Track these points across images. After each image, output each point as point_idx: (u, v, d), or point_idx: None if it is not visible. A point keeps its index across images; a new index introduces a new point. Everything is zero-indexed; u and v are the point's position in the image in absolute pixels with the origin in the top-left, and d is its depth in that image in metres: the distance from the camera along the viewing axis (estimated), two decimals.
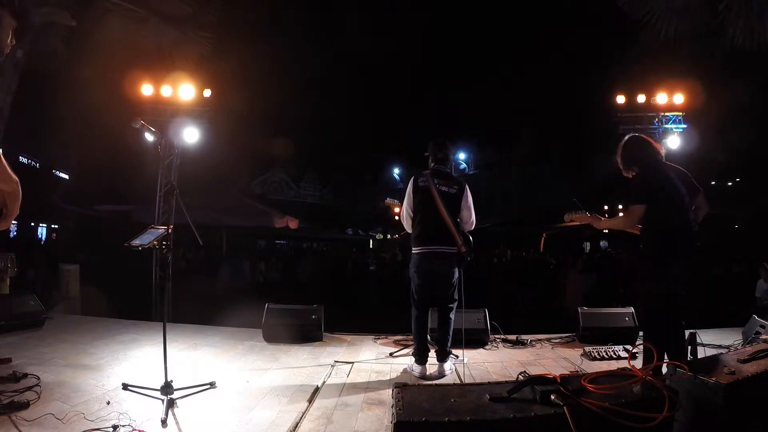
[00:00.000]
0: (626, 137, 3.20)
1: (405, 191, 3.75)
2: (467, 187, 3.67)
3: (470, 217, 3.66)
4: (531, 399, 1.66)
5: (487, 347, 4.32)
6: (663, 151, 3.13)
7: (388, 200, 4.15)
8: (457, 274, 3.57)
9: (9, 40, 1.66)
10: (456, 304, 3.61)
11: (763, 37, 5.33)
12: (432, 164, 3.71)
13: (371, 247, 21.24)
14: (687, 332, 3.04)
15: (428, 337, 3.75)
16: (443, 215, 3.46)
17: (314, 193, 34.29)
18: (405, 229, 3.81)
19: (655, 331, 2.82)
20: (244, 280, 9.75)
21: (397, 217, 3.88)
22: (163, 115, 6.42)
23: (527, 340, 4.52)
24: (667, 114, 6.66)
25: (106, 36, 6.23)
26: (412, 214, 3.66)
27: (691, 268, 2.84)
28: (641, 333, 4.50)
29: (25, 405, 2.56)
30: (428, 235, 3.54)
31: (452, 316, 3.59)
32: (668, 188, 2.87)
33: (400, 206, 3.89)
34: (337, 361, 3.84)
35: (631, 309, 4.58)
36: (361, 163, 30.44)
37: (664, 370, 2.14)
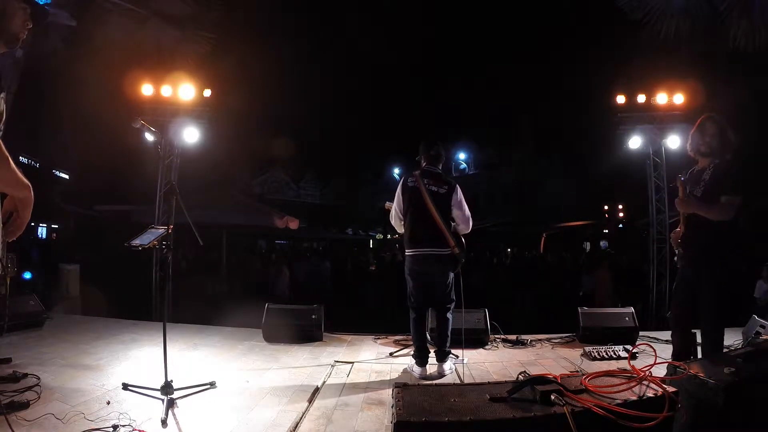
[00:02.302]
0: (714, 116, 2.89)
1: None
2: (458, 187, 3.61)
3: (463, 215, 3.56)
4: (531, 399, 1.66)
5: (487, 347, 4.32)
6: None
7: (388, 204, 4.11)
8: (451, 276, 3.55)
9: (23, 24, 1.61)
10: (453, 304, 3.60)
11: (765, 39, 5.32)
12: (423, 164, 3.68)
13: (371, 247, 21.24)
14: None
15: (428, 336, 3.75)
16: (434, 215, 3.43)
17: (314, 193, 34.26)
18: (396, 228, 3.79)
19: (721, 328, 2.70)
20: (323, 280, 9.82)
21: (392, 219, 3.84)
22: (163, 115, 6.41)
23: (527, 340, 4.52)
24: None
25: (106, 36, 6.24)
26: (401, 216, 3.63)
27: None
28: (641, 333, 4.51)
29: (25, 405, 2.56)
30: (419, 236, 3.52)
31: (449, 316, 3.57)
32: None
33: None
34: (337, 361, 3.84)
35: (631, 309, 4.58)
36: (361, 163, 30.44)
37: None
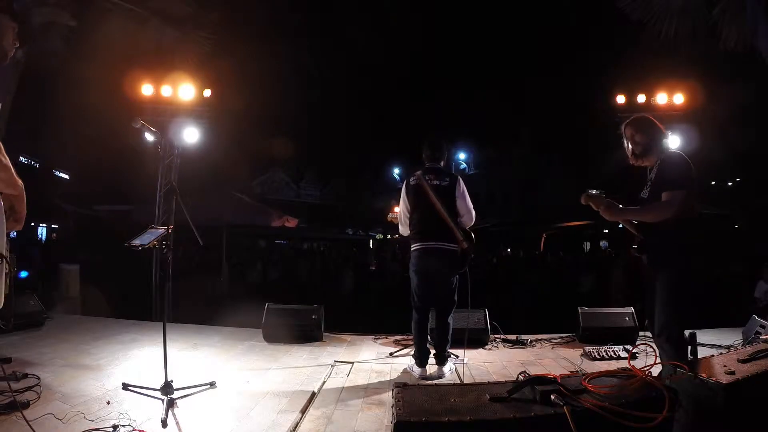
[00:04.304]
0: (640, 117, 2.80)
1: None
2: (460, 178, 3.63)
3: (466, 207, 3.57)
4: (531, 399, 1.66)
5: (487, 347, 4.33)
6: None
7: (390, 216, 4.15)
8: (458, 275, 3.55)
9: (12, 43, 1.67)
10: (454, 306, 3.59)
11: (753, 43, 5.35)
12: (425, 163, 3.70)
13: (371, 247, 21.22)
14: (687, 332, 2.99)
15: (428, 337, 3.75)
16: (439, 210, 3.44)
17: (314, 193, 34.24)
18: (404, 235, 3.79)
19: (683, 337, 2.50)
20: (390, 274, 10.12)
21: (399, 226, 3.82)
22: (163, 115, 6.41)
23: (527, 340, 4.52)
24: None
25: (106, 36, 6.23)
26: (408, 215, 3.64)
27: None
28: (641, 333, 4.51)
29: (25, 405, 2.56)
30: (426, 231, 3.52)
31: (451, 320, 3.56)
32: (695, 176, 2.51)
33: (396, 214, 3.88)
34: (337, 361, 3.84)
35: (631, 309, 4.58)
36: (361, 163, 30.41)
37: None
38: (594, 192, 2.67)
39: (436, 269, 3.50)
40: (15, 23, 1.66)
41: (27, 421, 2.04)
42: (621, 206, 2.62)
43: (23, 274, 6.61)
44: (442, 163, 3.72)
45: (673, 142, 6.64)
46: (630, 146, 2.77)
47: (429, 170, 3.62)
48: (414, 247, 3.58)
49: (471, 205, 3.62)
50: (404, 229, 3.73)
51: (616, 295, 8.20)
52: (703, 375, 1.80)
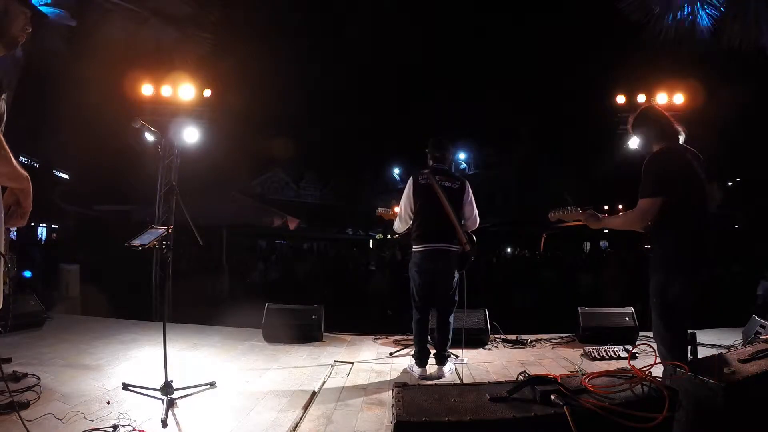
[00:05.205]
0: (644, 107, 2.75)
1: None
2: (468, 183, 3.65)
3: (473, 213, 3.62)
4: (531, 399, 1.66)
5: (487, 347, 4.33)
6: (684, 132, 2.55)
7: (380, 210, 4.12)
8: (457, 276, 3.55)
9: (23, 28, 1.63)
10: (455, 306, 3.60)
11: (758, 42, 5.35)
12: (431, 162, 3.69)
13: (371, 247, 21.22)
14: (688, 332, 2.99)
15: (428, 337, 3.75)
16: (448, 212, 3.43)
17: (314, 193, 34.21)
18: (397, 231, 3.78)
19: (676, 340, 2.40)
20: (390, 274, 10.49)
21: (397, 221, 3.81)
22: (163, 115, 6.40)
23: (527, 340, 4.52)
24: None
25: (106, 36, 6.23)
26: (412, 215, 3.60)
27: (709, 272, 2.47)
28: (641, 333, 4.51)
29: (25, 405, 2.57)
30: (432, 232, 3.50)
31: (451, 319, 3.56)
32: (691, 176, 2.39)
33: (392, 212, 3.85)
34: (337, 361, 3.84)
35: (631, 309, 4.58)
36: (361, 163, 30.41)
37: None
38: (561, 209, 2.63)
39: (441, 270, 3.50)
40: (27, 8, 1.62)
41: (23, 422, 2.03)
42: (599, 215, 2.57)
43: (27, 273, 6.62)
44: (447, 164, 3.72)
45: None
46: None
47: (438, 171, 3.61)
48: (418, 247, 3.54)
49: (477, 212, 3.65)
50: (401, 226, 3.70)
51: (614, 293, 8.20)
52: (703, 375, 1.80)
